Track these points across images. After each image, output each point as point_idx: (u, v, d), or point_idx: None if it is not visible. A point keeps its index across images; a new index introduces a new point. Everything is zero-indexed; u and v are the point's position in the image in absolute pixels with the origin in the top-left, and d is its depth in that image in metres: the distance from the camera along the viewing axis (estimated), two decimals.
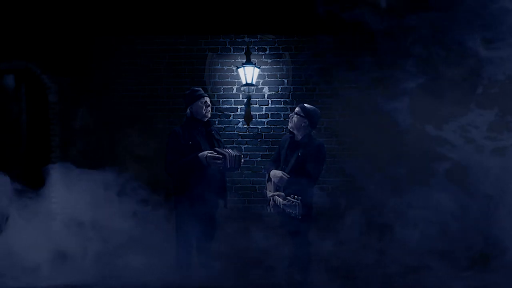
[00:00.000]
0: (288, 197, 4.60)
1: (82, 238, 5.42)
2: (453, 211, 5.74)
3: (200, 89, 5.12)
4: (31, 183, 5.92)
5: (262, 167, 6.23)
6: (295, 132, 5.02)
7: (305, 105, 5.10)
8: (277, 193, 4.82)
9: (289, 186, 4.82)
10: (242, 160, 4.99)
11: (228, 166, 4.86)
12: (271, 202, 4.86)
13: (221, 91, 7.32)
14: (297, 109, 5.04)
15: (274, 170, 5.01)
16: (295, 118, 4.99)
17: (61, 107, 7.23)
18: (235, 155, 4.89)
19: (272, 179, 4.99)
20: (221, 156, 4.80)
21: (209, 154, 4.79)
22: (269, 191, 5.03)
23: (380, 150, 6.64)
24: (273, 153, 5.42)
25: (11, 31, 7.04)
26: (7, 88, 7.35)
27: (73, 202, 5.50)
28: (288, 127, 5.08)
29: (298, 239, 4.89)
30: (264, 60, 7.30)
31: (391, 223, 5.88)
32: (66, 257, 5.34)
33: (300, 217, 4.58)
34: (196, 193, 4.79)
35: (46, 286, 5.02)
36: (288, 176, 4.86)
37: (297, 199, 4.54)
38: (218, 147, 5.01)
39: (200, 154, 4.81)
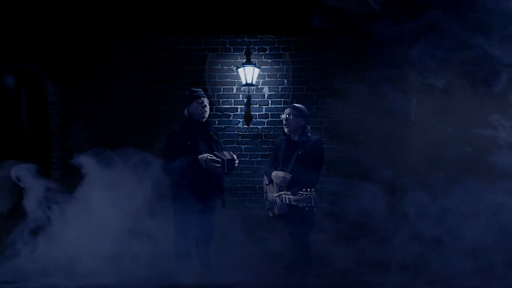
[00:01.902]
0: (300, 192, 4.56)
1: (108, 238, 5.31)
2: (491, 209, 5.60)
3: (199, 89, 5.12)
4: None
5: (262, 167, 6.22)
6: (292, 134, 5.01)
7: (295, 105, 5.11)
8: (284, 192, 4.81)
9: (292, 186, 4.81)
10: (237, 162, 4.97)
11: (226, 170, 4.88)
12: (278, 201, 4.84)
13: (221, 91, 7.33)
14: (289, 111, 5.00)
15: (276, 171, 4.99)
16: (291, 120, 4.96)
17: (61, 107, 7.24)
18: (230, 158, 4.89)
19: (274, 180, 4.97)
20: (220, 160, 4.80)
21: (209, 158, 4.79)
22: (271, 193, 5.01)
23: (382, 150, 6.63)
24: (273, 152, 5.41)
25: (12, 31, 7.05)
26: (7, 88, 7.37)
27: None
28: (286, 131, 5.04)
29: (301, 238, 4.87)
30: (264, 60, 7.31)
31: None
32: (106, 256, 5.17)
33: (315, 209, 4.54)
34: (194, 193, 4.79)
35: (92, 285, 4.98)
36: (291, 175, 4.86)
37: (310, 191, 4.51)
38: (216, 148, 5.02)
39: (200, 156, 4.82)
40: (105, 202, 5.16)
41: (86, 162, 5.25)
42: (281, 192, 4.83)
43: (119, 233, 5.17)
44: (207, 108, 5.04)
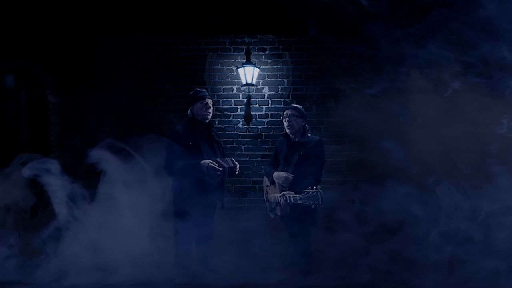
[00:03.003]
0: (306, 190, 4.57)
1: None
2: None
3: (204, 90, 5.14)
4: None
5: (262, 167, 6.22)
6: (293, 135, 5.02)
7: (295, 105, 5.18)
8: (287, 192, 4.81)
9: (294, 186, 4.82)
10: (237, 170, 4.98)
11: (226, 177, 4.90)
12: (282, 201, 4.84)
13: (221, 91, 7.33)
14: (290, 112, 5.03)
15: (277, 172, 5.01)
16: (293, 121, 4.99)
17: (61, 107, 7.23)
18: (232, 166, 4.90)
19: (276, 181, 4.98)
20: (221, 168, 4.81)
21: (210, 164, 4.79)
22: (273, 194, 5.01)
23: (384, 150, 6.61)
24: (272, 153, 5.42)
25: (11, 31, 7.04)
26: (7, 88, 7.36)
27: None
28: (288, 132, 5.05)
29: (303, 238, 4.88)
30: (264, 60, 7.31)
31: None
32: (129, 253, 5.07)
33: (322, 206, 4.54)
34: (194, 194, 4.79)
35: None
36: (293, 176, 4.87)
37: (317, 189, 4.52)
38: (217, 149, 5.03)
39: (202, 162, 4.82)
40: (128, 199, 5.08)
41: (104, 157, 5.15)
42: (284, 192, 4.83)
43: (143, 232, 5.11)
44: (211, 110, 5.05)
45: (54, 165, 5.18)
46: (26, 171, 5.14)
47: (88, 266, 5.02)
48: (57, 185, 5.16)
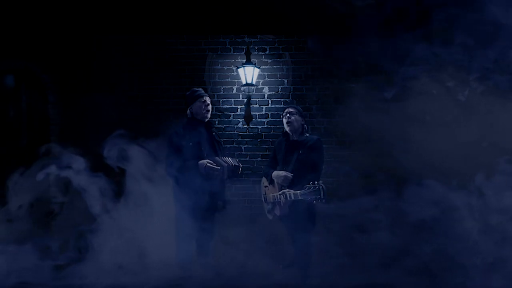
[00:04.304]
0: (307, 185, 4.55)
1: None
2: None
3: (200, 89, 5.15)
4: None
5: (262, 167, 6.22)
6: (292, 133, 5.04)
7: (295, 106, 5.26)
8: (286, 190, 4.81)
9: (293, 185, 4.82)
10: (240, 170, 4.98)
11: (226, 176, 4.88)
12: (282, 199, 4.83)
13: (221, 91, 7.33)
14: (290, 110, 5.07)
15: (277, 171, 5.01)
16: (293, 119, 5.01)
17: (61, 107, 7.23)
18: (234, 165, 4.89)
19: (276, 180, 4.98)
20: (219, 167, 4.80)
21: (208, 164, 4.79)
22: (272, 193, 5.01)
23: (381, 151, 6.62)
24: (271, 153, 5.42)
25: (11, 31, 7.04)
26: (7, 88, 7.35)
27: None
28: (288, 130, 5.06)
29: (303, 238, 4.88)
30: (264, 60, 7.31)
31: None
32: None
33: (325, 201, 4.52)
34: (195, 194, 4.79)
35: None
36: (292, 175, 4.87)
37: (318, 184, 4.50)
38: (218, 149, 5.02)
39: (200, 162, 4.82)
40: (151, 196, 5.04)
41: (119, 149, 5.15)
42: (284, 190, 4.83)
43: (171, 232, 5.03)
44: (210, 107, 5.06)
45: (78, 161, 5.19)
46: (47, 170, 5.14)
47: (112, 267, 5.00)
48: (82, 182, 5.14)
